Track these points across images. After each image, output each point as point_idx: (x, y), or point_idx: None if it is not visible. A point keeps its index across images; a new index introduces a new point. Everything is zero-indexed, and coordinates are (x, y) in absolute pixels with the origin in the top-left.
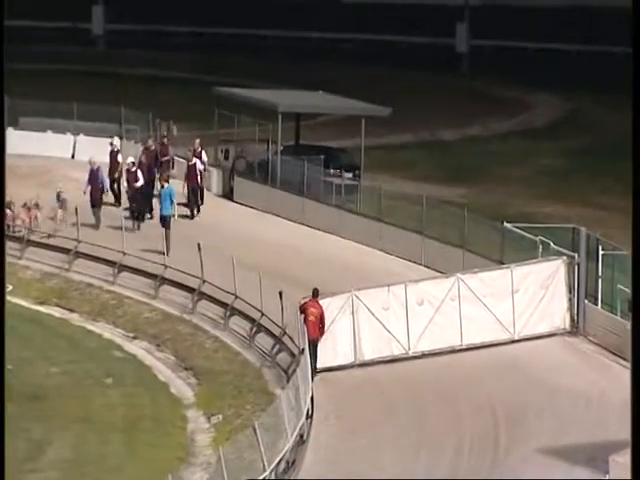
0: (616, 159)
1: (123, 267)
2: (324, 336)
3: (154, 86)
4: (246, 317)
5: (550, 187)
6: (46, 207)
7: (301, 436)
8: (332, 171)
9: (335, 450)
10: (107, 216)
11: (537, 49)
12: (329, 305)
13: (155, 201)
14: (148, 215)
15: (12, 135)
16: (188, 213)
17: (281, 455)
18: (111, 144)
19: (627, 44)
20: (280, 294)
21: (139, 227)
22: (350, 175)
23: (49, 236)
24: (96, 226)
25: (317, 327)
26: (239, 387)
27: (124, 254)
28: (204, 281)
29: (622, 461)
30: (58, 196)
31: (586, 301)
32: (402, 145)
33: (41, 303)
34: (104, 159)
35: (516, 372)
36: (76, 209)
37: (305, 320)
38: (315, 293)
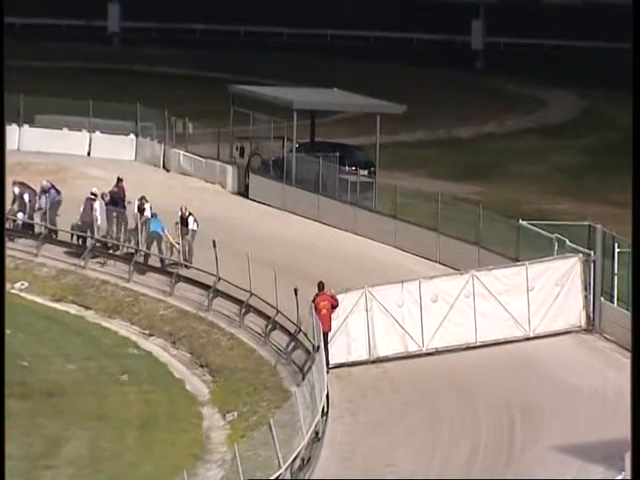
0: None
1: (139, 264)
2: (338, 332)
3: (170, 83)
4: (261, 314)
5: (566, 184)
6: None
7: (316, 433)
8: (347, 168)
9: (350, 448)
10: None
11: (552, 46)
12: (343, 301)
13: None
14: None
15: (28, 132)
16: None
17: (296, 452)
18: None
19: None
20: (295, 291)
21: None
22: (365, 172)
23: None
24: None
25: (329, 319)
26: (254, 384)
27: (137, 251)
28: (219, 278)
29: None
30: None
31: (602, 299)
32: (417, 142)
33: (57, 300)
34: (119, 157)
35: (531, 370)
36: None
37: (318, 314)
38: (320, 286)
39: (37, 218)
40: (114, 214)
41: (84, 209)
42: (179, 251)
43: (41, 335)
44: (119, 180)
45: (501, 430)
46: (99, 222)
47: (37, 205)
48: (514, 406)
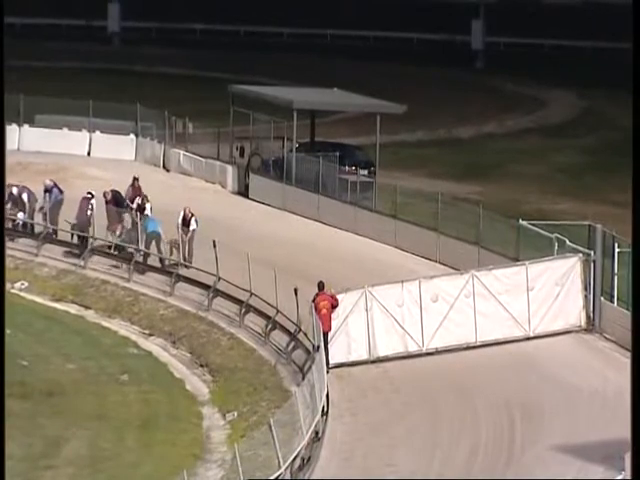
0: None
1: (139, 264)
2: (338, 332)
3: (170, 83)
4: (261, 314)
5: (566, 184)
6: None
7: (316, 433)
8: (347, 168)
9: (350, 448)
10: None
11: (552, 46)
12: (343, 301)
13: None
14: None
15: (28, 132)
16: None
17: (296, 452)
18: None
19: None
20: (295, 291)
21: None
22: (365, 172)
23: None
24: None
25: (329, 319)
26: (254, 384)
27: (137, 251)
28: (219, 278)
29: None
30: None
31: (602, 298)
32: (417, 142)
33: (57, 300)
34: (119, 156)
35: (531, 369)
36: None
37: (318, 314)
38: (320, 286)
39: (39, 217)
40: (123, 215)
41: (79, 208)
42: (178, 250)
43: (41, 335)
44: (135, 180)
45: (501, 430)
46: (93, 220)
47: (38, 204)
48: (514, 406)
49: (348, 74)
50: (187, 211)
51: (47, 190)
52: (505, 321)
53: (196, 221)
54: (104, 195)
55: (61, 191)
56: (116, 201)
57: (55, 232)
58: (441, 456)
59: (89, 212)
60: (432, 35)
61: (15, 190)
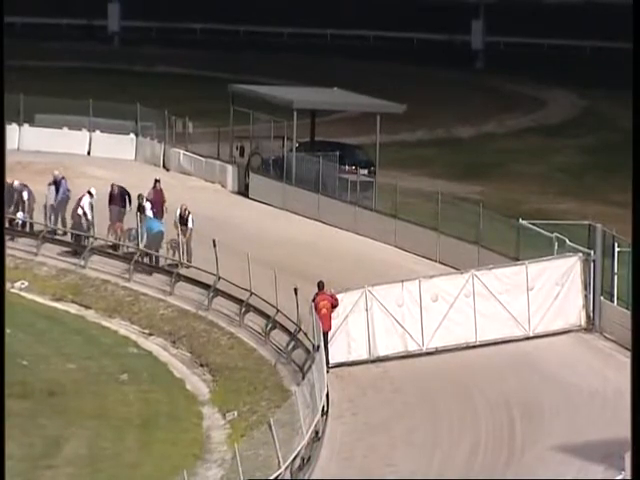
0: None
1: (139, 264)
2: (338, 332)
3: (169, 83)
4: (261, 314)
5: (566, 184)
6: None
7: (316, 433)
8: (347, 168)
9: (350, 447)
10: None
11: (552, 46)
12: (343, 300)
13: None
14: None
15: (28, 132)
16: None
17: (296, 452)
18: None
19: None
20: (295, 290)
21: None
22: (365, 172)
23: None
24: None
25: (329, 318)
26: (254, 383)
27: (139, 251)
28: (219, 278)
29: None
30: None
31: (602, 298)
32: (417, 142)
33: (57, 300)
34: (119, 156)
35: (531, 369)
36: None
37: (318, 314)
38: (320, 286)
39: (41, 214)
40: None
41: (75, 207)
42: (177, 250)
43: (41, 334)
44: (156, 182)
45: (501, 430)
46: (87, 219)
47: (47, 198)
48: (514, 405)
49: (348, 74)
50: (183, 208)
51: (56, 181)
52: (505, 321)
53: (192, 220)
54: (112, 187)
55: (68, 189)
56: (122, 197)
57: (54, 231)
58: (441, 456)
59: (80, 211)
60: (432, 35)
61: (17, 183)
